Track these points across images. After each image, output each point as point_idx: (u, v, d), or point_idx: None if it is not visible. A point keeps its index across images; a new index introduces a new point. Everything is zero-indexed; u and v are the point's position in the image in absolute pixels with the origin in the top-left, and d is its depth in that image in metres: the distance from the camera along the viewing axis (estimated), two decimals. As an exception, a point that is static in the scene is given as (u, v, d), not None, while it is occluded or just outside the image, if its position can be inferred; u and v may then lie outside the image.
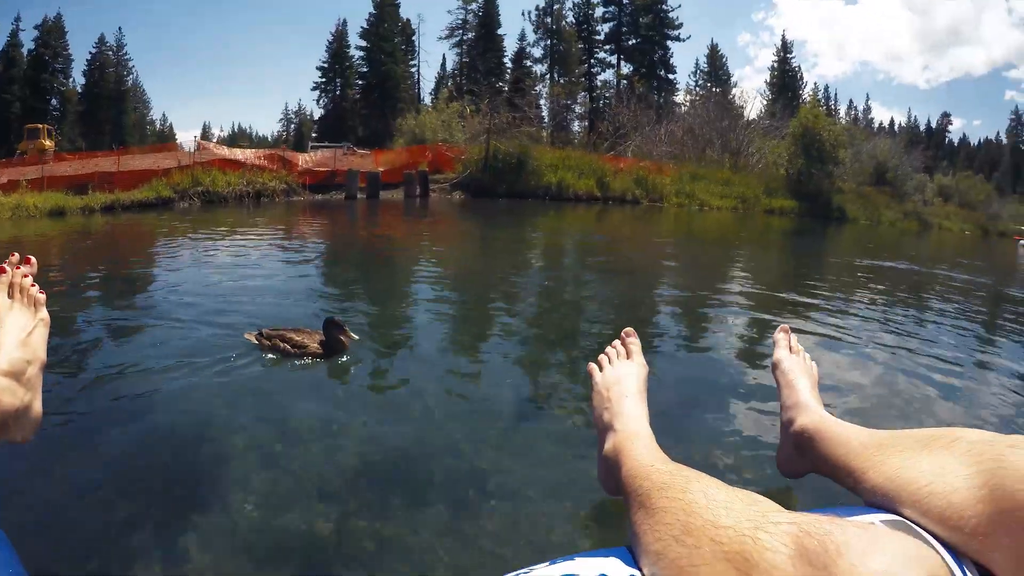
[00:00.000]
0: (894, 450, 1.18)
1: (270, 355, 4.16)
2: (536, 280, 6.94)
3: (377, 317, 5.18)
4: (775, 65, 74.22)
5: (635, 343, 1.81)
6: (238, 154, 19.53)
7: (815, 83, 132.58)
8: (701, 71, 71.35)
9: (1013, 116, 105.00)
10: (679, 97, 57.91)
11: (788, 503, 1.64)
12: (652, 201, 24.41)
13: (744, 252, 12.95)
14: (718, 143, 37.69)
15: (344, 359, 4.08)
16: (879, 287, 9.81)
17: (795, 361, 1.74)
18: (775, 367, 1.76)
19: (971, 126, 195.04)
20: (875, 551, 0.76)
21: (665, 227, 17.51)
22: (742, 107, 46.74)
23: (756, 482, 2.42)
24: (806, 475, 1.72)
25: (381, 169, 20.04)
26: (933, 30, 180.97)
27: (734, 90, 53.48)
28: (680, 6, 69.75)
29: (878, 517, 1.03)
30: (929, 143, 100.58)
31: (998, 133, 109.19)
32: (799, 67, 76.44)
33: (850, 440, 1.36)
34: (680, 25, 65.82)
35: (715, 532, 0.86)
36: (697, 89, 64.83)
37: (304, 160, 19.81)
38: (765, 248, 14.80)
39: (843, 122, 68.95)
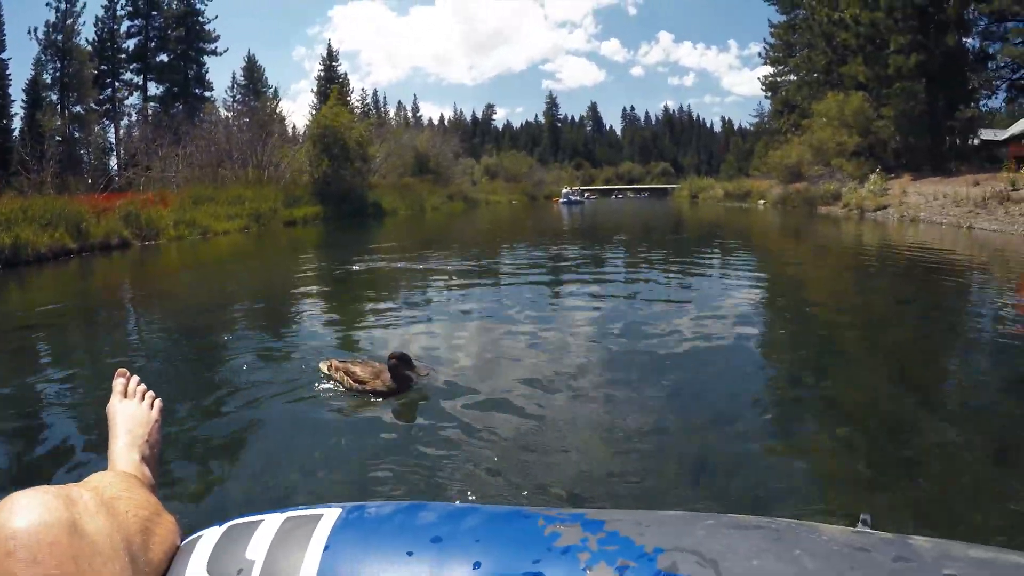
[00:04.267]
0: None
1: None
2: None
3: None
4: (321, 75, 76.07)
5: None
6: None
7: (363, 89, 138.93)
8: (239, 85, 69.50)
9: (548, 100, 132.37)
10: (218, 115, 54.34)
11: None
12: (145, 240, 21.18)
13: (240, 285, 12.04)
14: (235, 157, 36.10)
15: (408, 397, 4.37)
16: (428, 274, 11.58)
17: (124, 407, 1.60)
18: (107, 415, 1.61)
19: (514, 113, 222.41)
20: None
21: (152, 272, 15.62)
22: (282, 117, 46.32)
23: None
24: None
25: None
26: (478, 34, 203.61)
27: (280, 104, 52.37)
28: (217, 17, 66.49)
29: None
30: (476, 131, 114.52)
31: (536, 115, 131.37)
32: (345, 75, 78.50)
33: None
34: (217, 38, 61.91)
35: None
36: (235, 104, 61.76)
37: None
38: (272, 271, 14.20)
39: (392, 122, 71.80)
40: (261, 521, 1.18)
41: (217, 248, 20.71)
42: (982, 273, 12.67)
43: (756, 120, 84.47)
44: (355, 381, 4.40)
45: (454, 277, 11.30)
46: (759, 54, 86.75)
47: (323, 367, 4.76)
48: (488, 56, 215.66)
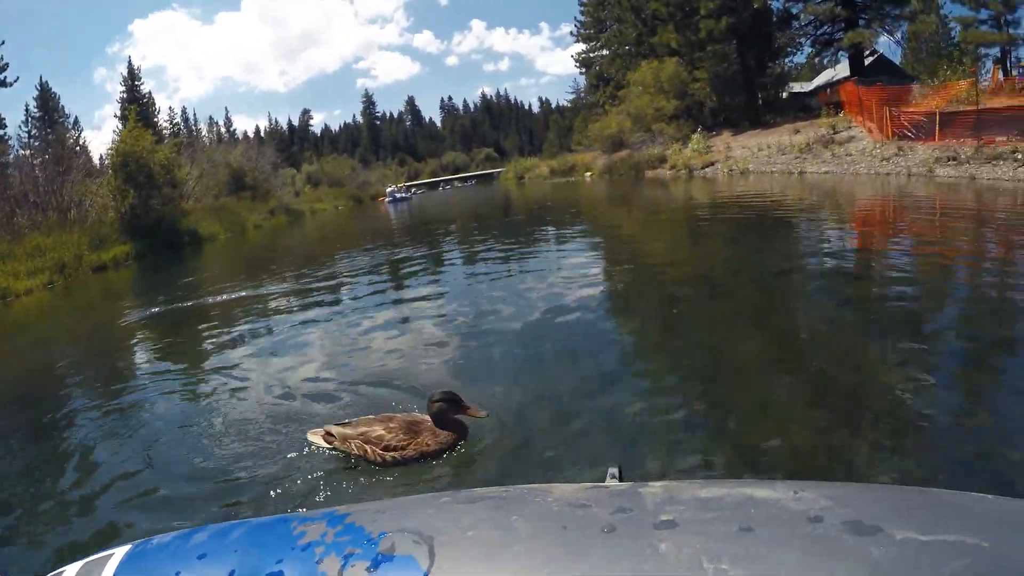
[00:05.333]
0: None
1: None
2: None
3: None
4: (124, 96, 71.29)
5: None
6: None
7: (171, 107, 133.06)
8: (33, 119, 64.03)
9: (365, 99, 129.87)
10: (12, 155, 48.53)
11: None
12: (-70, 318, 17.38)
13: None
14: (32, 201, 31.76)
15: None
16: (262, 300, 10.91)
17: None
18: None
19: (332, 116, 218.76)
20: None
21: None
22: (85, 149, 42.22)
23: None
24: None
25: None
26: (287, 38, 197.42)
27: (83, 134, 48.17)
28: (3, 43, 59.81)
29: None
30: (293, 139, 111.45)
31: (354, 116, 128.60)
32: (150, 94, 73.99)
33: None
34: (6, 67, 55.31)
35: None
36: (31, 140, 56.25)
37: None
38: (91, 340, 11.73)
39: (206, 139, 68.45)
40: (63, 572, 1.23)
41: (22, 311, 18.03)
42: (816, 213, 13.50)
43: (573, 96, 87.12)
44: (386, 449, 3.44)
45: (291, 298, 10.85)
46: (571, 33, 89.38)
47: (315, 438, 3.79)
48: (299, 60, 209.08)
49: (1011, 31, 34.26)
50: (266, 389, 5.54)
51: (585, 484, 1.18)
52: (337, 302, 9.67)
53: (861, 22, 39.59)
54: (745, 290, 7.13)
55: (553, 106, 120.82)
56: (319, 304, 9.72)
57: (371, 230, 27.35)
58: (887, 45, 44.41)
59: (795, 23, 43.39)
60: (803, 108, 40.82)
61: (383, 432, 3.47)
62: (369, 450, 3.49)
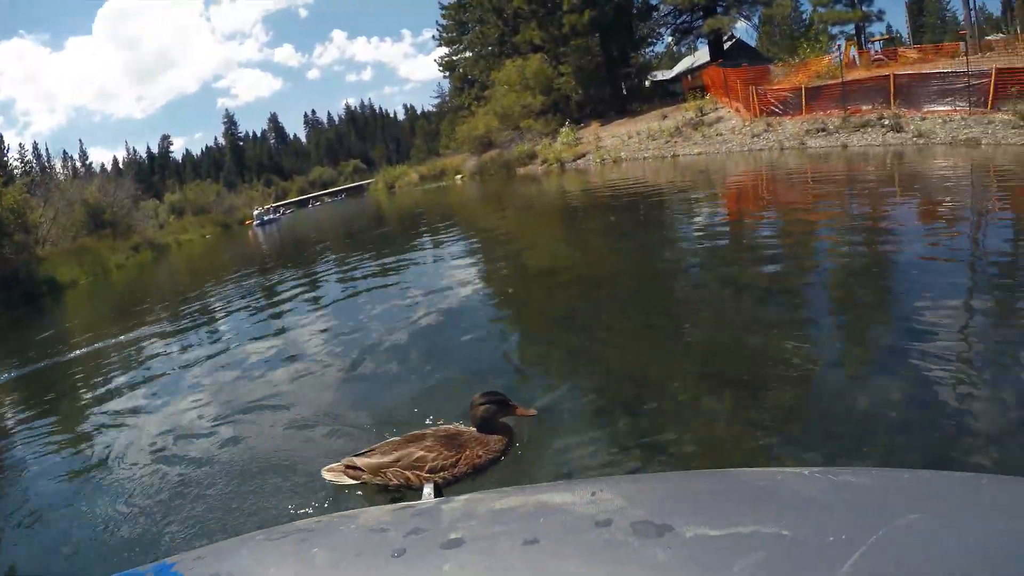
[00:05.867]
0: None
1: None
2: None
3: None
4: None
5: None
6: None
7: (21, 144, 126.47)
8: None
9: (226, 119, 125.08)
10: None
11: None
12: None
13: None
14: None
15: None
16: (137, 344, 9.87)
17: None
18: None
19: (193, 140, 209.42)
20: None
21: None
22: None
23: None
24: None
25: None
26: (142, 60, 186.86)
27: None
28: None
29: None
30: (153, 167, 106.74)
31: (216, 138, 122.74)
32: (-4, 132, 70.11)
33: None
34: None
35: None
36: None
37: None
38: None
39: (61, 176, 65.14)
40: None
41: None
42: (687, 193, 13.95)
43: (438, 101, 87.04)
44: (432, 471, 2.98)
45: (166, 339, 9.95)
46: (433, 38, 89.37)
47: (333, 476, 3.24)
48: (156, 83, 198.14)
49: (864, 8, 36.52)
50: (153, 439, 5.05)
51: (391, 506, 1.18)
52: (215, 338, 8.96)
53: (719, 9, 41.34)
54: (635, 288, 6.92)
55: (419, 112, 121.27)
56: (195, 342, 8.99)
57: (241, 257, 25.92)
58: (743, 29, 46.60)
59: (655, 14, 45.15)
60: (667, 94, 42.58)
61: (423, 453, 3.06)
62: (412, 476, 3.04)
